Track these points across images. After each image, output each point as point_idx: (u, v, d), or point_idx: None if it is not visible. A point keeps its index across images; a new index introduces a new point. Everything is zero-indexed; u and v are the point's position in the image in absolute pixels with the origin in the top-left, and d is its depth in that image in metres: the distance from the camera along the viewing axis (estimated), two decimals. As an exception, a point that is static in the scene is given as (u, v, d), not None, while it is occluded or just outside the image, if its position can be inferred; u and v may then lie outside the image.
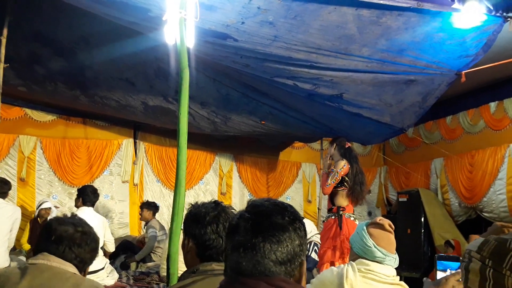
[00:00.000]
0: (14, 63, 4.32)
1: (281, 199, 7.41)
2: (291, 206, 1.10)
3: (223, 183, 7.76)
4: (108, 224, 5.33)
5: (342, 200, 4.48)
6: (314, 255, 5.63)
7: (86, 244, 1.70)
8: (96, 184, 6.40)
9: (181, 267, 1.84)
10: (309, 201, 8.27)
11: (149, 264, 5.77)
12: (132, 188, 7.06)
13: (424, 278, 1.50)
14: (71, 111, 6.56)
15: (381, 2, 3.12)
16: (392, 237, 2.16)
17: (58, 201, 6.47)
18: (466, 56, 3.89)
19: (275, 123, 5.91)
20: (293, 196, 8.17)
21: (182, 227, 1.80)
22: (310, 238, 5.85)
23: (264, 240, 1.01)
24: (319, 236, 5.39)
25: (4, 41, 3.84)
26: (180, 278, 1.59)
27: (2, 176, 5.23)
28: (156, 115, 5.99)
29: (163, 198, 7.22)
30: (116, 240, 5.51)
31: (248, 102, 5.34)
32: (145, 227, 6.22)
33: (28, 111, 6.46)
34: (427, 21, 3.41)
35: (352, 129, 5.60)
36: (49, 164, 6.52)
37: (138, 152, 7.15)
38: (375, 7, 3.23)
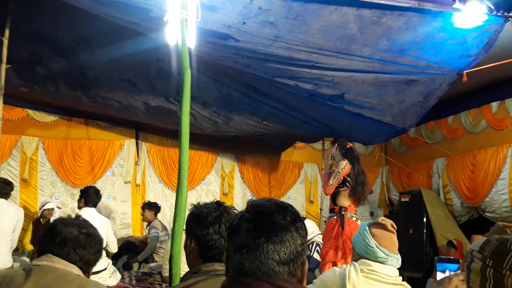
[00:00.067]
0: (16, 63, 4.33)
1: (283, 199, 7.39)
2: (291, 206, 1.10)
3: (225, 183, 7.76)
4: (110, 225, 5.34)
5: (344, 200, 4.48)
6: (316, 256, 5.63)
7: (91, 246, 1.69)
8: (98, 184, 6.41)
9: (184, 268, 1.85)
10: (311, 201, 8.26)
11: (152, 264, 5.77)
12: (134, 188, 7.07)
13: (428, 279, 1.50)
14: (73, 111, 6.57)
15: (382, 2, 3.12)
16: (394, 237, 2.16)
17: (61, 201, 6.48)
18: (467, 56, 3.89)
19: (276, 123, 5.91)
20: (295, 197, 8.17)
21: (184, 228, 1.80)
22: (312, 238, 5.85)
23: (267, 240, 1.00)
24: (321, 236, 5.40)
25: (6, 42, 3.85)
26: (183, 279, 1.59)
27: (5, 177, 5.25)
28: (158, 116, 6.00)
29: (165, 198, 7.23)
30: (118, 240, 5.51)
31: (250, 103, 5.34)
32: (147, 227, 6.23)
33: (30, 112, 6.47)
34: (428, 21, 3.41)
35: (353, 129, 5.60)
36: (52, 164, 6.53)
37: (140, 152, 7.16)
38: (376, 7, 3.23)
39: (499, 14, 3.36)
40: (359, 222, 4.32)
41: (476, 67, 4.11)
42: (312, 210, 8.18)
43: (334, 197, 4.54)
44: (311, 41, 3.60)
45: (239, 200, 7.74)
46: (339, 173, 4.43)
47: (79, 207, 4.95)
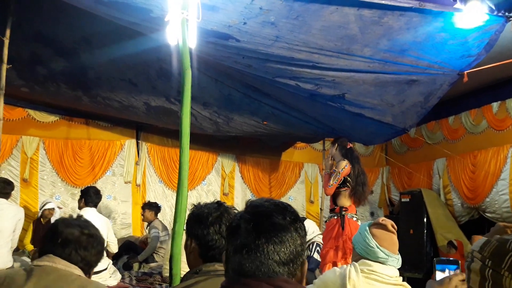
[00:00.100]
0: (16, 63, 4.33)
1: (283, 199, 7.41)
2: (290, 206, 1.10)
3: (225, 183, 7.76)
4: (111, 225, 5.35)
5: (345, 201, 4.48)
6: (316, 256, 5.63)
7: (92, 247, 1.68)
8: (99, 184, 6.42)
9: (184, 268, 1.85)
10: (312, 202, 8.26)
11: (152, 264, 5.77)
12: (134, 188, 7.07)
13: (429, 280, 1.50)
14: (73, 111, 6.58)
15: (383, 2, 3.12)
16: (394, 237, 2.16)
17: (61, 201, 6.49)
18: (468, 56, 3.88)
19: (277, 123, 5.91)
20: (295, 197, 8.17)
21: (184, 228, 1.80)
22: (312, 238, 5.85)
23: (267, 241, 1.00)
24: (321, 236, 5.39)
25: (6, 42, 3.85)
26: (183, 279, 1.60)
27: (5, 177, 5.26)
28: (158, 116, 6.00)
29: (166, 198, 7.23)
30: (118, 240, 5.52)
31: (250, 103, 5.35)
32: (148, 227, 6.23)
33: (31, 112, 6.48)
34: (429, 21, 3.40)
35: (354, 129, 5.60)
36: (52, 164, 6.54)
37: (140, 152, 7.16)
38: (377, 7, 3.23)
39: (500, 14, 3.36)
40: (359, 223, 4.32)
41: (477, 67, 4.11)
42: (312, 210, 8.18)
43: (334, 197, 4.54)
44: (312, 41, 3.60)
45: (240, 200, 7.73)
46: (339, 173, 4.43)
47: (80, 207, 4.95)
